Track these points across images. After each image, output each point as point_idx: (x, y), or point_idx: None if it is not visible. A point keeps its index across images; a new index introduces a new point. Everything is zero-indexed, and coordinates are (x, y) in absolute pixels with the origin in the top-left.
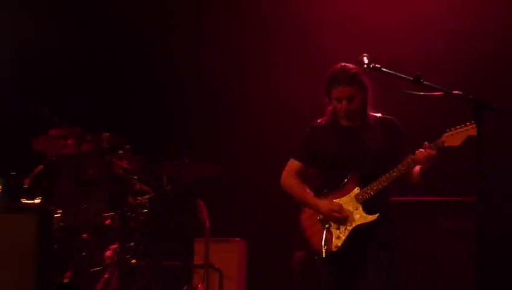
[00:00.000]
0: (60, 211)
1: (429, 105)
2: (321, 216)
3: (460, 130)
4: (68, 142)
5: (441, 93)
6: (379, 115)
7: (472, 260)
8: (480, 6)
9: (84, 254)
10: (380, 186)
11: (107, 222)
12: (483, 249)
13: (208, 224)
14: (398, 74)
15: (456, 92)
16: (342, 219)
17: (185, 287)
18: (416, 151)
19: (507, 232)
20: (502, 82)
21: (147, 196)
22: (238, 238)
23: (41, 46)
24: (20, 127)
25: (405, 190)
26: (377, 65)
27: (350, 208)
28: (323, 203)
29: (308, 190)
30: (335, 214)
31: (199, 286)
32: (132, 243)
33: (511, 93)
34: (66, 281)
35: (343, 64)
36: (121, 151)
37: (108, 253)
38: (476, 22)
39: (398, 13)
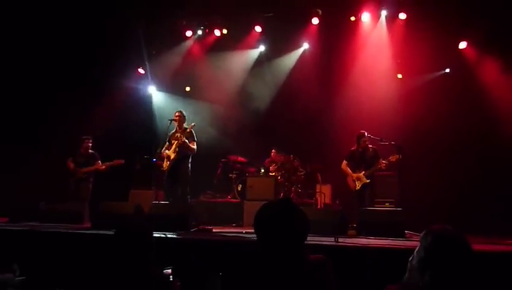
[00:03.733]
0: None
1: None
2: (354, 177)
3: (395, 156)
4: (282, 159)
5: (379, 139)
6: (371, 146)
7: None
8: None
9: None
10: (370, 173)
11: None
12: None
13: (320, 179)
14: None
15: (385, 140)
16: (358, 180)
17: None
18: (381, 161)
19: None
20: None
21: (303, 173)
22: (328, 184)
23: None
24: None
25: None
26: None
27: (361, 177)
28: (352, 175)
29: (349, 170)
30: (355, 178)
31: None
32: (299, 185)
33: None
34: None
35: (362, 131)
36: (295, 160)
37: (293, 189)
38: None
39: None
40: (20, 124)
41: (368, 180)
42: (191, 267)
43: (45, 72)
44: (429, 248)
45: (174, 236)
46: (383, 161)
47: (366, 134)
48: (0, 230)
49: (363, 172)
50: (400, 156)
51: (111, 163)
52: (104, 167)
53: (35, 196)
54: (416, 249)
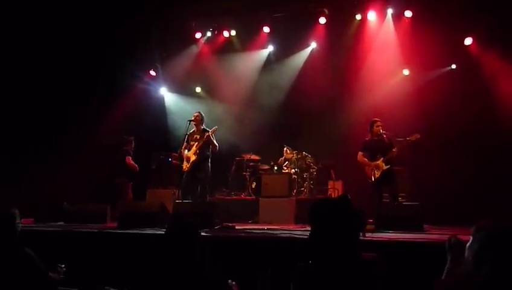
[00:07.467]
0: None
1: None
2: (372, 166)
3: (414, 135)
4: (294, 156)
5: (394, 135)
6: (384, 132)
7: None
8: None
9: None
10: (389, 158)
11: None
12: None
13: (333, 176)
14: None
15: (401, 136)
16: (377, 168)
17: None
18: (393, 150)
19: None
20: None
21: (315, 169)
22: (340, 180)
23: None
24: None
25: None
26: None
27: (381, 164)
28: (370, 164)
29: (366, 160)
30: (373, 167)
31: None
32: (312, 182)
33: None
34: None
35: (376, 118)
36: (307, 157)
37: (305, 185)
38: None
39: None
40: (36, 128)
41: (388, 166)
42: (240, 264)
43: (56, 74)
44: (484, 241)
45: (204, 234)
46: (399, 139)
47: (378, 121)
48: (32, 231)
49: (382, 159)
50: (419, 136)
51: None
52: None
53: (55, 197)
54: (468, 244)
